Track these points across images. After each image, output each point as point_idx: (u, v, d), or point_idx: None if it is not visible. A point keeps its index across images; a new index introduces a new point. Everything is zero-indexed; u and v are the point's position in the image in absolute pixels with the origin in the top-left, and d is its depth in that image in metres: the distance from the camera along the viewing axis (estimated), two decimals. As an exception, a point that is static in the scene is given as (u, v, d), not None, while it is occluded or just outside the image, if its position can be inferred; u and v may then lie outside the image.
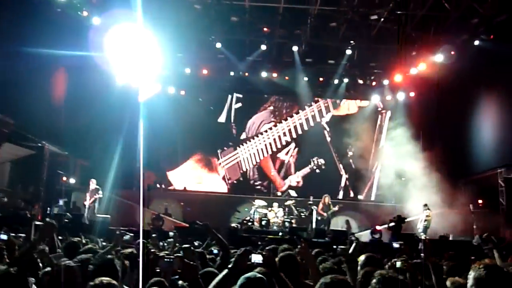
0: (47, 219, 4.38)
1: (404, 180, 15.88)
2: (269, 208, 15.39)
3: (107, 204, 14.64)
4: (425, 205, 14.43)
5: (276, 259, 3.60)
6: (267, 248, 5.08)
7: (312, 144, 18.59)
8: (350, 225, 15.48)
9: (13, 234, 6.96)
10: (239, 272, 2.94)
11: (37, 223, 8.92)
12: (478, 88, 14.99)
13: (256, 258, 2.86)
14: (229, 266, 2.94)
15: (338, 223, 15.55)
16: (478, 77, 14.50)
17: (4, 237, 5.06)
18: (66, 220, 12.85)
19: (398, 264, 3.92)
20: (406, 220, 13.80)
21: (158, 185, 17.77)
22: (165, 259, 3.49)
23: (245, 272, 2.87)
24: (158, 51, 14.65)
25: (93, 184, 14.38)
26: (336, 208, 14.98)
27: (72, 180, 16.34)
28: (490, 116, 15.19)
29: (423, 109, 16.82)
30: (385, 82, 17.72)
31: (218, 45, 16.13)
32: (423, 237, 13.90)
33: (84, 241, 6.18)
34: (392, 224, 13.88)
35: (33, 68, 12.14)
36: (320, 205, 15.07)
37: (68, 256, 4.34)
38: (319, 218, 14.93)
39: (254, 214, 15.28)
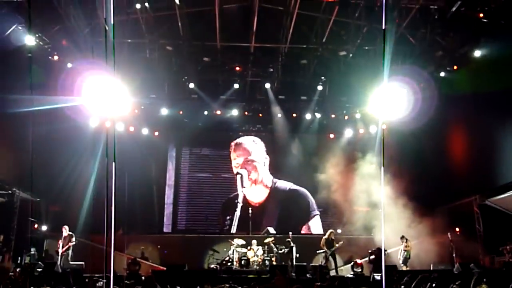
0: None
1: (380, 211, 15.90)
2: (248, 247, 15.14)
3: (80, 250, 14.18)
4: (402, 237, 14.51)
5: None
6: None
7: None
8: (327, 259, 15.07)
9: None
10: None
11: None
12: (446, 117, 15.34)
13: None
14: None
15: (319, 259, 15.30)
16: (446, 108, 14.88)
17: None
18: (38, 270, 12.37)
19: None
20: (386, 252, 13.77)
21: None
22: None
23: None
24: (128, 93, 14.73)
25: (65, 231, 13.94)
26: (338, 245, 14.69)
27: (44, 227, 15.80)
28: (461, 144, 15.53)
29: (396, 141, 16.95)
30: (357, 115, 18.05)
31: (191, 85, 16.29)
32: (404, 269, 13.87)
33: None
34: (372, 256, 13.84)
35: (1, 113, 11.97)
36: (323, 240, 14.82)
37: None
38: (320, 252, 14.76)
39: (233, 254, 15.00)
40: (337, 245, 14.65)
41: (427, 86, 15.33)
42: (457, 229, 15.18)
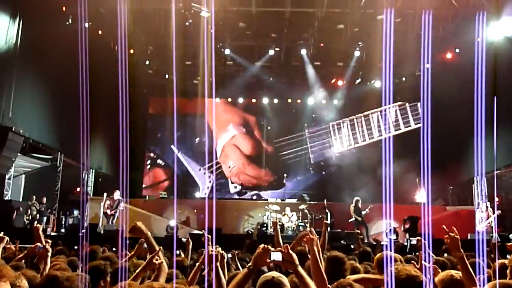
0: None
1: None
2: (283, 213, 15.29)
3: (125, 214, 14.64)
4: (488, 202, 13.38)
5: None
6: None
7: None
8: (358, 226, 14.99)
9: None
10: (259, 270, 2.91)
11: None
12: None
13: (276, 256, 2.79)
14: (249, 264, 2.90)
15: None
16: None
17: None
18: (83, 231, 12.87)
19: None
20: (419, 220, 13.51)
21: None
22: None
23: (264, 271, 2.84)
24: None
25: (116, 195, 14.07)
26: (366, 211, 14.54)
27: (86, 191, 16.39)
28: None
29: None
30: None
31: (227, 51, 16.26)
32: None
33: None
34: (407, 226, 13.68)
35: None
36: (352, 208, 14.75)
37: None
38: (351, 220, 14.70)
39: (267, 219, 15.20)
40: (363, 212, 14.49)
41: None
42: (497, 199, 14.83)
